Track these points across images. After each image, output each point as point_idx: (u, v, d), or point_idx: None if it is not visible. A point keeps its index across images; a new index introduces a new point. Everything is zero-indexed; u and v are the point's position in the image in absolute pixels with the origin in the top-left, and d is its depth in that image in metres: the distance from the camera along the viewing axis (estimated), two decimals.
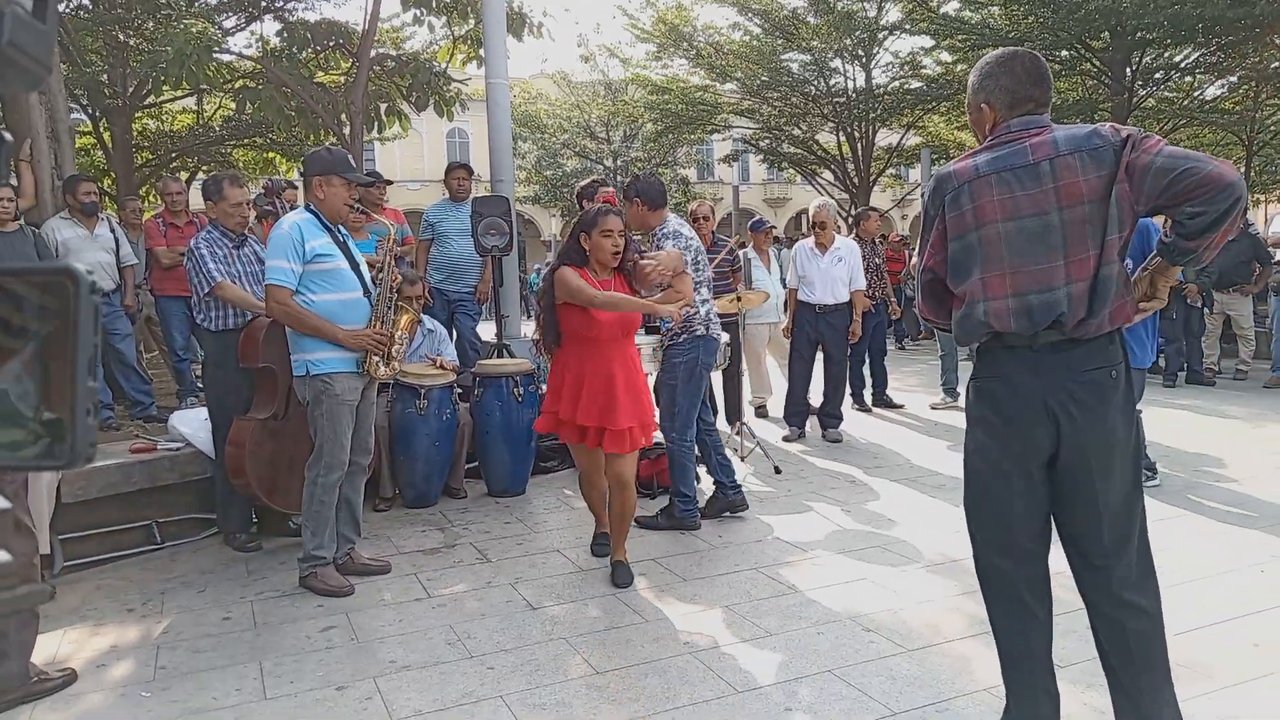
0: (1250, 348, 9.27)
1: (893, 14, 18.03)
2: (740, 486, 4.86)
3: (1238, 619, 3.37)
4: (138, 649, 3.40)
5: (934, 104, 18.28)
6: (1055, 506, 2.30)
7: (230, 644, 3.41)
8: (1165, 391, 8.53)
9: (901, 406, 7.95)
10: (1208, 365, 9.05)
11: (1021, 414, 2.21)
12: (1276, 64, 15.06)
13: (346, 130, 9.13)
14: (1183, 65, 16.03)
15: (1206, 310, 9.03)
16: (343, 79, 10.36)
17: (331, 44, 9.39)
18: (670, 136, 22.25)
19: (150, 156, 12.86)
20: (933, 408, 7.92)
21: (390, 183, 6.86)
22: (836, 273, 6.75)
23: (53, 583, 4.01)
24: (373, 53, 9.03)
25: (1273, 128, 16.81)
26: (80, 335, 0.61)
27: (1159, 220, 3.70)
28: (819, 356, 6.91)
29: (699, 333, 4.59)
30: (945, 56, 17.91)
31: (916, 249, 2.36)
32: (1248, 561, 3.98)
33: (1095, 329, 2.16)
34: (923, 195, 2.37)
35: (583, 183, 5.96)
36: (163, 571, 4.29)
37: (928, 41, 17.96)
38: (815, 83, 19.26)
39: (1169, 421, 7.09)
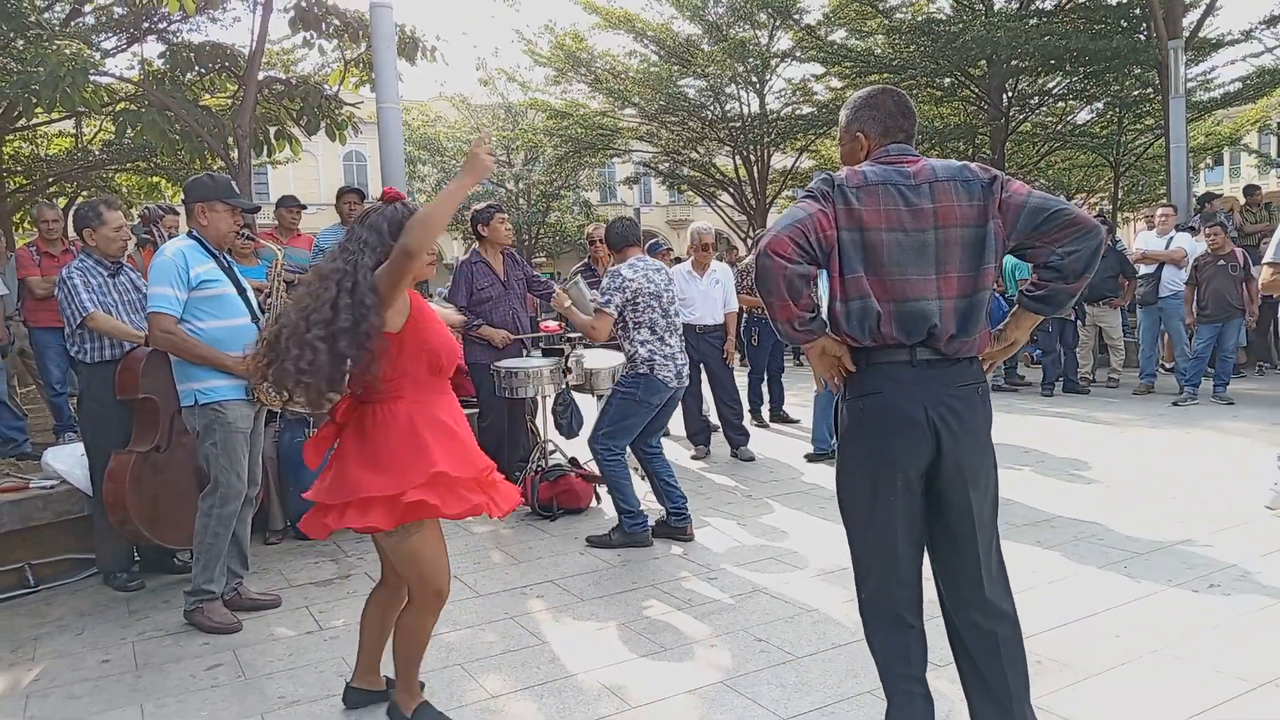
0: (1121, 357, 9.84)
1: (784, 42, 18.61)
2: (686, 514, 4.86)
3: (1100, 614, 3.58)
4: (4, 700, 3.23)
5: (825, 128, 18.87)
6: (929, 520, 2.37)
7: (109, 688, 3.27)
8: (1043, 400, 8.97)
9: (797, 421, 8.15)
10: (1082, 375, 9.56)
11: (902, 425, 2.26)
12: (1135, 92, 16.12)
13: (234, 154, 8.91)
14: (1054, 91, 16.99)
15: (1079, 323, 9.55)
16: (230, 102, 10.11)
17: (217, 66, 9.17)
18: (571, 160, 22.39)
19: (24, 181, 12.30)
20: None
21: (304, 207, 6.72)
22: (714, 294, 6.94)
23: None
24: (261, 75, 8.85)
25: (1136, 150, 17.91)
26: None
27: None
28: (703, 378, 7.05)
29: (641, 371, 4.73)
30: (835, 83, 18.55)
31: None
32: (1111, 559, 4.22)
33: (966, 348, 2.29)
34: (801, 191, 2.38)
35: (478, 206, 5.96)
36: (36, 616, 4.09)
37: (818, 69, 18.60)
38: (711, 108, 19.68)
39: (1046, 428, 7.46)
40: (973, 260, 2.27)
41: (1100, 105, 17.56)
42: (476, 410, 5.87)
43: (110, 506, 4.13)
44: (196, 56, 8.91)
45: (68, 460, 4.62)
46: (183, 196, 3.92)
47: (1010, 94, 16.37)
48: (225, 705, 3.09)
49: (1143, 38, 13.90)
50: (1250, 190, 11.75)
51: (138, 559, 4.56)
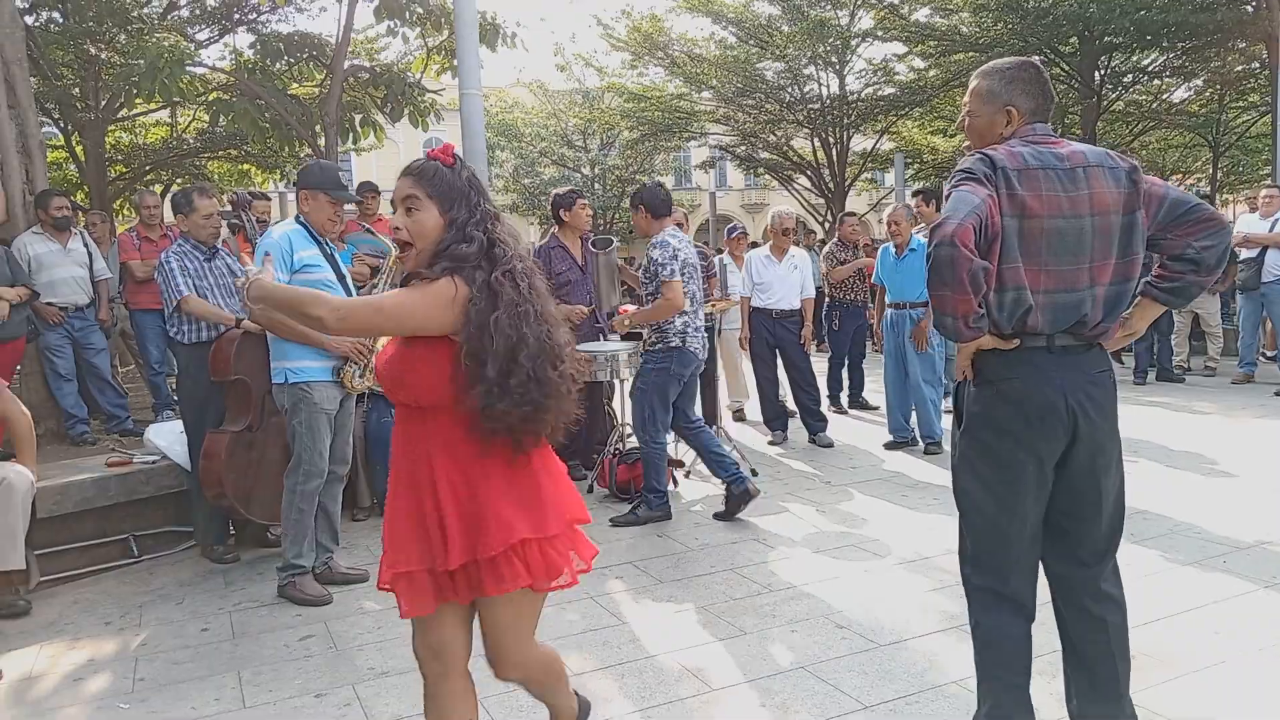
0: (1218, 345, 9.42)
1: (865, 22, 18.20)
2: (742, 476, 4.90)
3: (1198, 609, 3.45)
4: (115, 662, 3.40)
5: (906, 109, 18.46)
6: (1054, 507, 2.34)
7: (208, 655, 3.42)
8: (1136, 389, 8.66)
9: (876, 408, 8.03)
10: (1177, 363, 9.20)
11: (1041, 412, 2.22)
12: (1239, 68, 15.35)
13: (321, 141, 9.13)
14: (1149, 69, 16.30)
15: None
16: (317, 90, 10.35)
17: (305, 56, 9.39)
18: (647, 144, 22.35)
19: (124, 170, 12.80)
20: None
21: (379, 192, 6.87)
22: (792, 279, 6.87)
23: (28, 598, 3.99)
24: (346, 64, 9.04)
25: (1237, 129, 17.10)
26: None
27: None
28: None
29: (674, 344, 4.79)
30: (917, 63, 18.11)
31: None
32: (1210, 554, 4.06)
33: (1105, 334, 2.28)
34: (959, 171, 2.22)
35: (559, 190, 5.99)
36: (140, 585, 4.29)
37: (900, 48, 18.16)
38: (790, 90, 19.40)
39: (1140, 417, 7.20)
40: (1124, 247, 2.25)
41: (1199, 82, 16.79)
42: None
43: (206, 484, 4.30)
44: (285, 46, 9.14)
45: (168, 437, 4.82)
46: (286, 180, 4.09)
47: (1103, 71, 15.74)
48: (318, 674, 3.19)
49: (1250, 9, 13.21)
50: None
51: (233, 532, 4.74)
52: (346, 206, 5.49)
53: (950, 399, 2.78)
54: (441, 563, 1.96)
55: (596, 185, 26.91)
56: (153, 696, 3.08)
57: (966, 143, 2.47)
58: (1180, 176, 23.15)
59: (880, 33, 17.73)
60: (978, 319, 2.14)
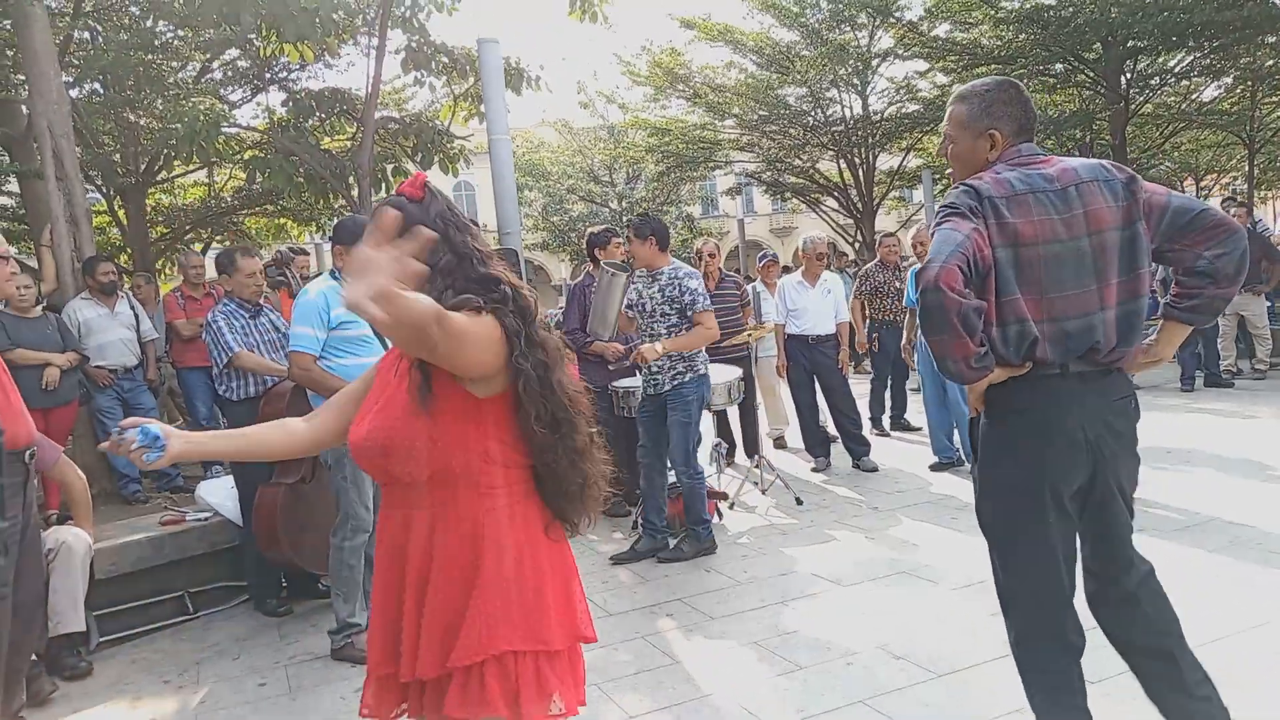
0: (1267, 346, 9.22)
1: (885, 41, 18.23)
2: (664, 535, 4.95)
3: (1267, 624, 3.35)
4: (177, 718, 3.44)
5: (932, 125, 18.40)
6: (1084, 534, 2.30)
7: (267, 710, 3.45)
8: (1184, 396, 8.48)
9: (920, 429, 7.94)
10: (1225, 367, 9.01)
11: (1059, 443, 2.17)
12: (1271, 62, 15.14)
13: (355, 192, 9.30)
14: (1177, 70, 16.11)
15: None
16: (349, 143, 10.56)
17: (336, 110, 9.60)
18: (673, 175, 22.49)
19: (165, 230, 13.12)
20: None
21: None
22: (826, 304, 6.85)
23: (89, 659, 4.06)
24: (376, 116, 9.22)
25: (1273, 125, 16.83)
26: None
27: None
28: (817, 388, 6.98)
29: (702, 372, 4.89)
30: (940, 78, 18.06)
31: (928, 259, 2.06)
32: (1275, 564, 3.95)
33: (1124, 358, 2.20)
34: (943, 207, 2.19)
35: (595, 229, 6.03)
36: (197, 641, 4.34)
37: (922, 65, 18.15)
38: (813, 113, 19.45)
39: (1190, 425, 7.05)
40: (1128, 264, 2.17)
41: (1229, 80, 16.56)
42: None
43: (261, 537, 4.36)
44: (316, 102, 9.35)
45: (219, 493, 4.90)
46: (321, 234, 4.12)
47: (1129, 75, 15.58)
48: None
49: (1278, 2, 13.03)
50: None
51: (285, 585, 4.78)
52: None
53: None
54: (409, 669, 1.65)
55: (625, 219, 27.07)
56: None
57: (949, 170, 2.43)
58: (1215, 176, 22.77)
59: (901, 51, 17.75)
60: (980, 359, 2.06)
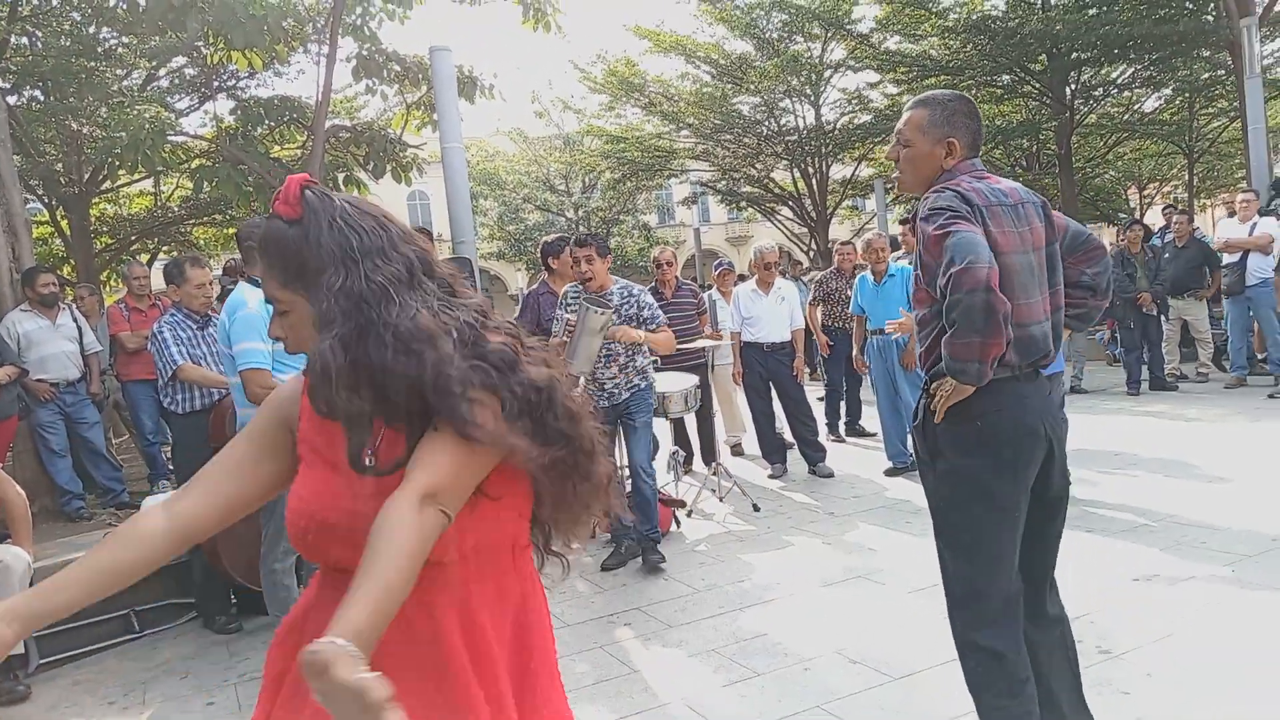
0: (1209, 350, 9.46)
1: (837, 53, 18.50)
2: (653, 539, 4.91)
3: (1209, 621, 3.43)
4: None
5: (883, 136, 18.67)
6: (1026, 530, 2.35)
7: None
8: (1130, 399, 8.67)
9: (874, 435, 8.02)
10: (1169, 370, 9.23)
11: (1026, 440, 2.25)
12: (1206, 75, 15.62)
13: None
14: (1118, 81, 16.56)
15: (1163, 317, 9.23)
16: (299, 152, 10.44)
17: (286, 119, 9.49)
18: (629, 184, 22.57)
19: (110, 241, 12.85)
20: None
21: None
22: (780, 311, 6.90)
23: (27, 682, 3.93)
24: (327, 124, 9.13)
25: (1209, 135, 17.34)
26: None
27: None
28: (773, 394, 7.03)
29: (652, 382, 5.07)
30: (891, 89, 18.37)
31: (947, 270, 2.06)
32: (1219, 561, 4.04)
33: (1050, 362, 2.35)
34: (938, 210, 2.18)
35: (548, 238, 6.02)
36: (143, 660, 4.23)
37: (873, 76, 18.44)
38: (766, 123, 19.65)
39: (1137, 428, 7.21)
40: (1053, 278, 2.35)
41: (1169, 91, 17.06)
42: None
43: (209, 553, 4.26)
44: (266, 110, 9.25)
45: None
46: (241, 242, 3.73)
47: (1073, 86, 15.99)
48: None
49: (1211, 18, 13.46)
50: None
51: (234, 602, 4.68)
52: None
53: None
54: None
55: (581, 228, 27.08)
56: None
57: (895, 174, 2.47)
58: (1157, 184, 23.39)
59: (853, 63, 18.02)
60: (999, 359, 2.12)
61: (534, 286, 6.10)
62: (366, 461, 1.26)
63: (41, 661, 4.18)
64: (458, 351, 1.22)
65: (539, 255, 6.07)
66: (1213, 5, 13.40)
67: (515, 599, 1.35)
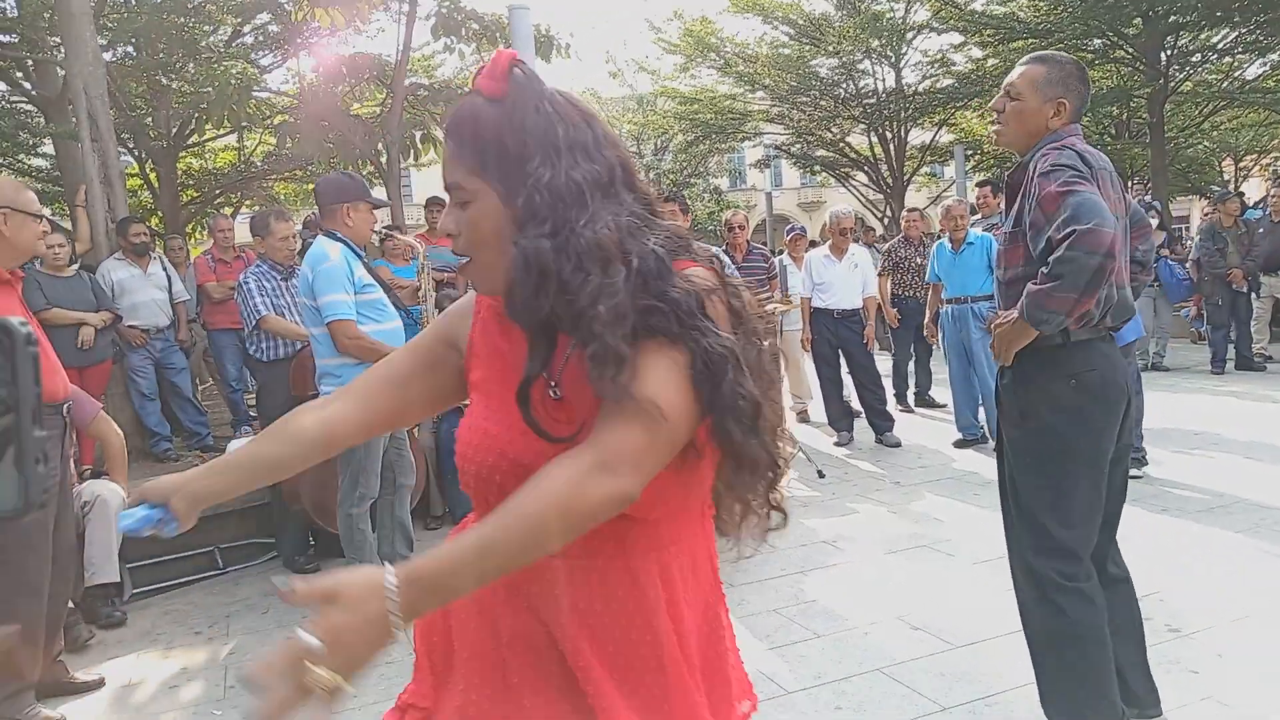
0: None
1: (920, 13, 17.94)
2: None
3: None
4: (207, 670, 3.54)
5: (965, 100, 18.14)
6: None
7: None
8: (1214, 378, 8.39)
9: (944, 406, 7.91)
10: (1257, 350, 8.88)
11: (1118, 395, 2.34)
12: None
13: (383, 159, 9.35)
14: (1220, 46, 15.76)
15: (1254, 294, 8.87)
16: (378, 109, 10.60)
17: (366, 76, 9.62)
18: (702, 146, 22.35)
19: (195, 194, 13.23)
20: None
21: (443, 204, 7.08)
22: (853, 278, 6.80)
23: (123, 609, 4.17)
24: (406, 82, 9.24)
25: None
26: (21, 387, 0.62)
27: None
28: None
29: None
30: (975, 52, 17.77)
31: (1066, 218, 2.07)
32: None
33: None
34: (1061, 167, 2.18)
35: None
36: (226, 595, 4.44)
37: (957, 38, 17.84)
38: (844, 85, 19.22)
39: (1219, 408, 6.98)
40: (1125, 247, 2.40)
41: (1276, 57, 16.17)
42: None
43: (287, 494, 4.44)
44: (347, 68, 9.38)
45: None
46: (319, 197, 3.86)
47: (1169, 52, 15.25)
48: (405, 678, 3.27)
49: None
50: None
51: (313, 543, 4.87)
52: (403, 223, 5.60)
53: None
54: None
55: (651, 190, 26.98)
56: (245, 702, 3.20)
57: (995, 129, 2.44)
58: (1256, 156, 22.32)
59: (937, 24, 17.46)
60: (1087, 319, 2.22)
61: None
62: (552, 391, 1.10)
63: (135, 591, 4.42)
64: (629, 285, 1.03)
65: None
66: None
67: (707, 573, 1.23)
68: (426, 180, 30.07)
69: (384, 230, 5.35)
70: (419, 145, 9.79)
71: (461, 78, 10.85)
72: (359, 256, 3.86)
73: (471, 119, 1.13)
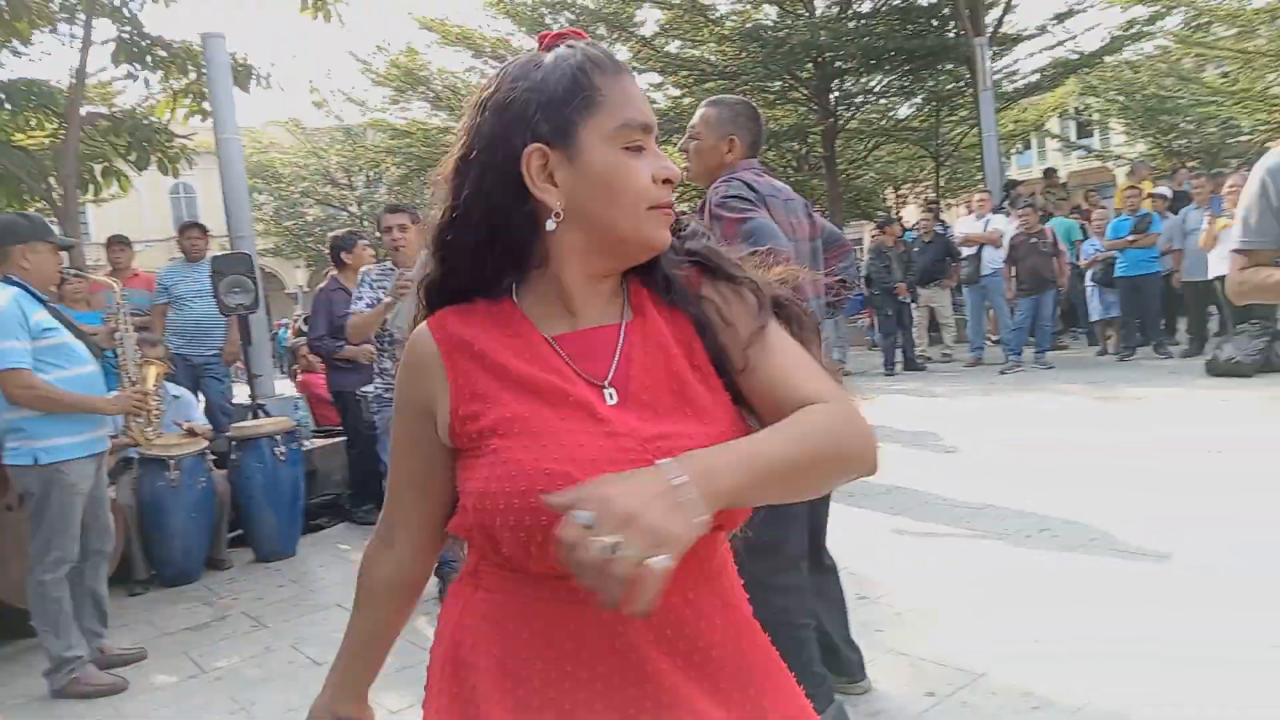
0: (952, 334, 10.60)
1: (622, 54, 18.94)
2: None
3: (951, 563, 3.93)
4: None
5: (666, 136, 19.33)
6: None
7: None
8: (887, 379, 9.57)
9: None
10: (919, 353, 10.26)
11: None
12: (949, 86, 17.33)
13: (56, 194, 8.45)
14: (876, 89, 18.02)
15: (913, 305, 10.24)
16: (49, 140, 9.56)
17: (32, 104, 8.65)
18: (417, 179, 22.10)
19: None
20: None
21: (130, 244, 6.51)
22: None
23: None
24: (83, 111, 8.44)
25: (953, 141, 19.22)
26: None
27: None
28: None
29: None
30: (673, 91, 19.06)
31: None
32: (952, 519, 4.62)
33: None
34: (730, 199, 2.48)
35: (338, 232, 5.90)
36: None
37: (656, 78, 19.04)
38: None
39: (891, 404, 7.99)
40: (816, 268, 2.70)
41: (919, 100, 18.74)
42: (345, 439, 5.82)
43: None
44: (7, 94, 8.39)
45: None
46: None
47: (836, 93, 17.26)
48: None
49: (952, 35, 14.97)
50: (1049, 173, 12.89)
51: None
52: (84, 264, 5.14)
53: None
54: None
55: (366, 223, 26.28)
56: None
57: (685, 166, 2.77)
58: (910, 185, 25.59)
59: (637, 64, 18.52)
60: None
61: (323, 284, 5.94)
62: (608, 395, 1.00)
63: None
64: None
65: (328, 251, 5.95)
66: (953, 24, 14.92)
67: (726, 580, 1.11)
68: (105, 217, 27.24)
69: (63, 272, 4.89)
70: (99, 179, 8.95)
71: (147, 107, 10.03)
72: (39, 300, 3.52)
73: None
